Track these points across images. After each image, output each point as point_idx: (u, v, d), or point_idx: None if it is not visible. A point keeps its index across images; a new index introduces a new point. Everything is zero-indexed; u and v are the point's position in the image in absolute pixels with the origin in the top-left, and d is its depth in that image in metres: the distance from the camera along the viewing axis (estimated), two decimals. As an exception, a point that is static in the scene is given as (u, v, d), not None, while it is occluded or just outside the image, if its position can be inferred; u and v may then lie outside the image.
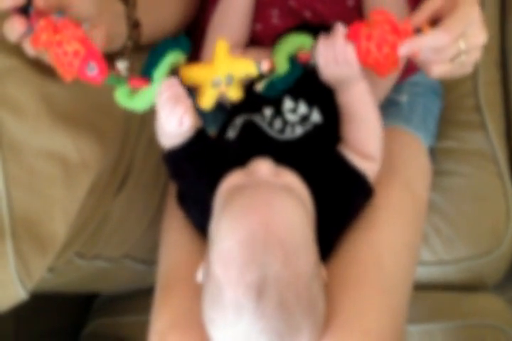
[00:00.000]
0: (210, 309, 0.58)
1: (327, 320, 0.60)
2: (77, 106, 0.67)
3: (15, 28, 0.58)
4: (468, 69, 0.64)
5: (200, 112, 0.86)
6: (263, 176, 0.61)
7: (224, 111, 0.77)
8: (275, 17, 0.79)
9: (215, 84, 0.63)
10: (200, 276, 0.62)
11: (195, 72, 0.63)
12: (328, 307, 0.60)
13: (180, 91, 0.61)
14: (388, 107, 0.83)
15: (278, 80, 0.66)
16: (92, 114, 0.70)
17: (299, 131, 0.68)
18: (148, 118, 0.86)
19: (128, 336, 1.02)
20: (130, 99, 0.63)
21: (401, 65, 0.63)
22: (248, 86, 0.68)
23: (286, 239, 0.56)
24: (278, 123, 0.69)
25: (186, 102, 0.61)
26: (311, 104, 0.69)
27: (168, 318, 0.66)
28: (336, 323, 0.60)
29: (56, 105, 0.65)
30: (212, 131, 0.76)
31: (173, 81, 0.61)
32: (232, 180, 0.63)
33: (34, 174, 0.64)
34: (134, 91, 0.62)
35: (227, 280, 0.55)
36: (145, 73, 0.62)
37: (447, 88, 0.97)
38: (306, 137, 0.68)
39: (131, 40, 0.69)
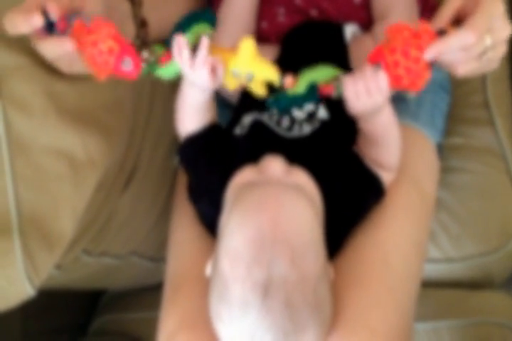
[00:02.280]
0: (216, 304, 0.58)
1: (333, 317, 0.60)
2: (83, 103, 0.67)
3: (64, 45, 0.58)
4: (494, 64, 0.63)
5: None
6: (274, 174, 0.61)
7: (230, 107, 0.77)
8: (281, 15, 0.79)
9: (235, 75, 0.61)
10: (208, 270, 0.62)
11: (219, 55, 0.61)
12: (335, 305, 0.60)
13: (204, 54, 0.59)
14: (395, 104, 0.82)
15: (288, 98, 0.64)
16: (98, 112, 0.70)
17: (306, 128, 0.68)
18: (153, 115, 0.86)
19: (135, 332, 1.02)
20: (160, 70, 0.62)
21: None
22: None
23: (294, 240, 0.56)
24: (285, 122, 0.69)
25: (213, 60, 0.60)
26: (317, 100, 0.69)
27: (177, 318, 0.66)
28: (342, 321, 0.60)
29: (63, 103, 0.65)
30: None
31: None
32: (244, 176, 0.63)
33: (41, 171, 0.64)
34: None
35: (234, 277, 0.55)
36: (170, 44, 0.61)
37: (455, 84, 0.97)
38: (314, 134, 0.68)
39: (138, 39, 0.69)
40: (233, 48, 0.60)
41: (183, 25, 0.61)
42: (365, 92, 0.60)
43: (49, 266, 0.66)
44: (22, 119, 0.63)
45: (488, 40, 0.58)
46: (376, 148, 0.67)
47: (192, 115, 0.68)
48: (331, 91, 0.62)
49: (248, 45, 0.60)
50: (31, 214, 0.63)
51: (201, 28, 0.61)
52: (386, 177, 0.68)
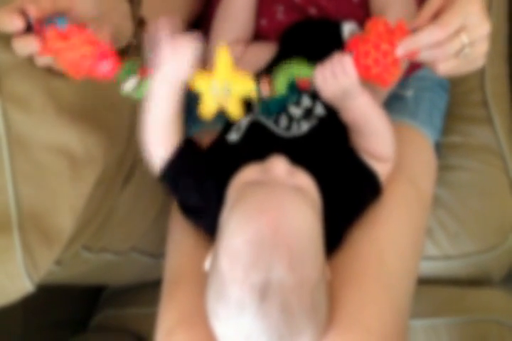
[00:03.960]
0: (213, 302, 0.58)
1: (329, 315, 0.60)
2: (82, 100, 0.68)
3: (30, 46, 0.59)
4: (478, 63, 0.63)
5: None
6: (278, 175, 0.61)
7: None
8: (280, 13, 0.79)
9: (213, 92, 0.62)
10: (207, 265, 0.62)
11: (197, 78, 0.62)
12: (330, 303, 0.60)
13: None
14: (394, 102, 0.82)
15: (272, 103, 0.65)
16: (97, 109, 0.70)
17: (304, 126, 0.68)
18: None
19: (135, 328, 1.03)
20: (137, 89, 0.63)
21: (402, 68, 0.63)
22: None
23: (294, 244, 0.55)
24: (283, 121, 0.69)
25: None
26: (314, 96, 0.69)
27: (176, 314, 0.66)
28: (338, 319, 0.60)
29: (62, 100, 0.66)
30: (217, 129, 0.76)
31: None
32: (247, 174, 0.63)
33: (40, 168, 0.64)
34: (141, 82, 0.63)
35: (232, 278, 0.55)
36: None
37: (454, 82, 0.97)
38: (313, 132, 0.68)
39: (136, 38, 0.69)
40: (210, 67, 0.61)
41: None
42: (331, 76, 0.62)
43: (48, 262, 0.67)
44: (21, 116, 0.63)
45: (464, 37, 0.59)
46: (363, 138, 0.67)
47: (161, 134, 0.65)
48: (308, 84, 0.64)
49: (223, 53, 0.61)
50: (31, 210, 0.63)
51: None
52: (382, 169, 0.68)
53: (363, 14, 0.78)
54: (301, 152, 0.65)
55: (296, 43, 0.75)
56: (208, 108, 0.63)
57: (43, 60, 0.62)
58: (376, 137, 0.67)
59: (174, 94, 0.63)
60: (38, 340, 1.03)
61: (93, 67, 0.60)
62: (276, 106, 0.66)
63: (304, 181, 0.62)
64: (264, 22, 0.80)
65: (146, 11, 0.70)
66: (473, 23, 0.59)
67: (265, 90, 0.63)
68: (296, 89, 0.64)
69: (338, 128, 0.69)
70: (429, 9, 0.60)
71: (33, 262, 0.64)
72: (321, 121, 0.68)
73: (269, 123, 0.69)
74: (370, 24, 0.62)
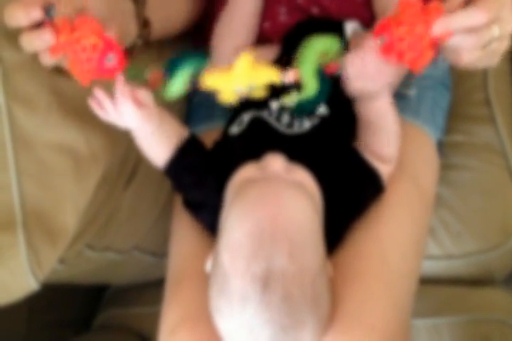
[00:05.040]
0: (216, 298, 0.59)
1: (331, 313, 0.60)
2: (87, 100, 0.68)
3: (45, 39, 0.57)
4: (495, 59, 0.61)
5: (205, 109, 0.87)
6: (275, 171, 0.62)
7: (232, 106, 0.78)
8: (283, 14, 0.79)
9: (237, 91, 0.61)
10: (208, 266, 0.63)
11: (216, 80, 0.61)
12: (333, 300, 0.61)
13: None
14: (396, 100, 0.82)
15: (309, 101, 0.62)
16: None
17: (306, 124, 0.68)
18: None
19: (138, 327, 1.03)
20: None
21: (436, 51, 0.58)
22: None
23: (293, 235, 0.56)
24: (286, 118, 0.69)
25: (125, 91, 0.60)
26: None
27: (179, 312, 0.66)
28: (340, 317, 0.61)
29: (66, 99, 0.66)
30: (221, 125, 0.76)
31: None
32: (245, 173, 0.63)
33: (45, 166, 0.64)
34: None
35: (233, 271, 0.56)
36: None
37: (456, 81, 0.97)
38: (315, 130, 0.68)
39: (140, 39, 0.69)
40: (230, 66, 0.60)
41: (176, 61, 0.61)
42: (363, 75, 0.59)
43: (52, 260, 0.67)
44: (26, 115, 0.63)
45: (495, 30, 0.56)
46: (371, 136, 0.67)
47: (156, 144, 0.67)
48: (335, 70, 0.60)
49: (245, 61, 0.59)
50: (35, 209, 0.64)
51: (195, 63, 0.61)
52: (384, 170, 0.68)
53: (366, 13, 0.78)
54: (301, 149, 0.65)
55: (298, 43, 0.75)
56: (228, 98, 0.62)
57: (50, 60, 0.62)
58: (382, 137, 0.67)
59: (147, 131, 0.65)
60: (41, 339, 1.03)
61: (101, 60, 0.60)
62: (314, 103, 0.64)
63: (302, 176, 0.63)
64: (267, 25, 0.80)
65: (150, 11, 0.70)
66: (505, 16, 0.57)
67: (291, 79, 0.60)
68: (325, 79, 0.61)
69: (340, 128, 0.69)
70: None
71: (37, 260, 0.64)
72: (323, 119, 0.69)
73: (271, 119, 0.69)
74: (402, 4, 0.56)
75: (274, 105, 0.70)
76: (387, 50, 0.58)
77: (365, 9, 0.78)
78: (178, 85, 0.61)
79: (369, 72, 0.59)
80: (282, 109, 0.69)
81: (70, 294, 1.06)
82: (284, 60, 0.63)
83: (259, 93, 0.62)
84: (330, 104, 0.69)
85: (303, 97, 0.62)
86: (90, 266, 0.86)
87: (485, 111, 0.99)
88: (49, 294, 0.75)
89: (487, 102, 1.00)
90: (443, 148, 0.89)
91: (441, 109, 0.88)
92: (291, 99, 0.63)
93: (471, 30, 0.56)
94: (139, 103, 0.61)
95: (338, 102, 0.68)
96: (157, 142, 0.66)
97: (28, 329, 1.02)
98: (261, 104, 0.70)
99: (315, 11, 0.78)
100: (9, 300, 0.66)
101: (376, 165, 0.68)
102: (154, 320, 0.70)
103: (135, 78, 0.62)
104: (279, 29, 0.78)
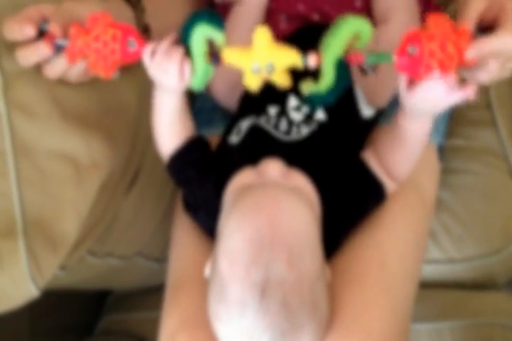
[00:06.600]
0: (215, 304, 0.59)
1: (330, 318, 0.60)
2: (87, 107, 0.68)
3: (41, 52, 0.59)
4: (507, 73, 0.62)
5: (205, 115, 0.87)
6: (273, 177, 0.62)
7: (230, 113, 0.78)
8: (283, 21, 0.79)
9: (255, 71, 0.59)
10: (207, 271, 0.63)
11: (234, 56, 0.59)
12: (332, 305, 0.61)
13: (168, 44, 0.59)
14: (397, 105, 0.82)
15: (326, 94, 0.61)
16: (102, 115, 0.70)
17: (304, 131, 0.68)
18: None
19: (140, 332, 1.03)
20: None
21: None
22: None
23: (292, 241, 0.56)
24: (283, 124, 0.69)
25: (179, 51, 0.59)
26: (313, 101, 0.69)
27: (178, 318, 0.67)
28: (339, 322, 0.61)
29: (67, 106, 0.66)
30: (219, 132, 0.76)
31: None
32: (242, 178, 0.63)
33: (45, 174, 0.65)
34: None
35: (232, 278, 0.56)
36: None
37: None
38: (313, 137, 0.68)
39: None
40: (247, 45, 0.58)
41: (189, 28, 0.60)
42: (435, 97, 0.57)
43: (53, 267, 0.67)
44: (26, 123, 0.63)
45: None
46: (389, 149, 0.66)
47: (169, 129, 0.67)
48: (362, 60, 0.57)
49: (263, 36, 0.57)
50: (35, 216, 0.64)
51: (209, 30, 0.59)
52: (388, 186, 0.68)
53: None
54: (299, 156, 0.65)
55: (298, 48, 0.75)
56: (251, 82, 0.60)
57: (56, 71, 0.62)
58: (403, 157, 0.66)
59: (174, 98, 0.64)
60: (44, 344, 1.04)
61: (123, 47, 0.59)
62: (332, 96, 0.61)
63: (300, 181, 0.63)
64: (267, 33, 0.79)
65: (150, 17, 0.70)
66: None
67: (313, 62, 0.58)
68: (345, 70, 0.59)
69: (339, 134, 0.69)
70: (474, 12, 0.57)
71: (37, 267, 0.65)
72: (321, 126, 0.69)
73: (269, 127, 0.69)
74: (432, 19, 0.55)
75: (272, 111, 0.70)
76: (416, 61, 0.55)
77: (365, 16, 0.78)
78: (200, 64, 0.60)
79: (437, 96, 0.57)
80: (280, 115, 0.69)
81: (73, 299, 1.06)
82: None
83: (282, 79, 0.59)
84: (328, 109, 0.69)
85: (319, 88, 0.60)
86: (92, 272, 0.86)
87: (486, 115, 0.99)
88: (51, 299, 0.75)
89: (488, 106, 0.99)
90: (444, 152, 0.88)
91: (443, 113, 0.88)
92: (306, 88, 0.62)
93: (499, 53, 0.57)
94: (181, 72, 0.60)
95: (336, 108, 0.68)
96: (171, 129, 0.67)
97: (30, 334, 1.03)
98: (259, 108, 0.70)
99: (315, 17, 0.78)
100: (9, 307, 0.66)
101: (383, 180, 0.67)
102: (156, 325, 0.70)
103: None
104: (279, 36, 0.77)
